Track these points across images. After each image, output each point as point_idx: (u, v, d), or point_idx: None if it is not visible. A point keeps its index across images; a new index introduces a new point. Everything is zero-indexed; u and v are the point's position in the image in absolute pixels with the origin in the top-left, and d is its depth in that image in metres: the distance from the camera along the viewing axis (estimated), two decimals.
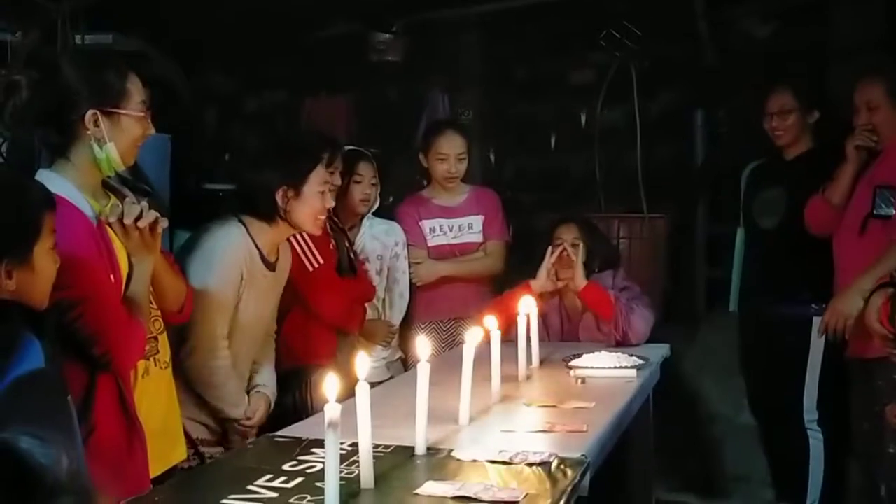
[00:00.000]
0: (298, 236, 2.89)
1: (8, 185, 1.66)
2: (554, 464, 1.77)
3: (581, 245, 3.29)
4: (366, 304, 3.24)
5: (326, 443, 1.52)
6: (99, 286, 1.88)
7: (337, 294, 3.00)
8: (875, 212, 2.91)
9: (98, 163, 1.95)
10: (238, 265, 2.52)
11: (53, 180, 1.93)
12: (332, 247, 3.05)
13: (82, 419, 1.86)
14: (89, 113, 1.91)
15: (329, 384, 1.54)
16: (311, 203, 2.58)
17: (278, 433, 2.06)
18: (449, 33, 5.05)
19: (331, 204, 3.07)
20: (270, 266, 2.63)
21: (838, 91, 4.12)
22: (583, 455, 1.83)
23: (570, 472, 1.74)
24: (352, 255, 3.16)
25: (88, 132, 1.92)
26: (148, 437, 1.95)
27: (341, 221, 3.24)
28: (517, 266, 3.88)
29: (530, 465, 1.77)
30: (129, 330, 1.91)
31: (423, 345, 1.85)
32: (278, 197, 2.54)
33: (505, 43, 5.05)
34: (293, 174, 2.56)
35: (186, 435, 2.30)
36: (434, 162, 3.56)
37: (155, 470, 1.97)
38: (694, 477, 3.86)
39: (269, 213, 2.56)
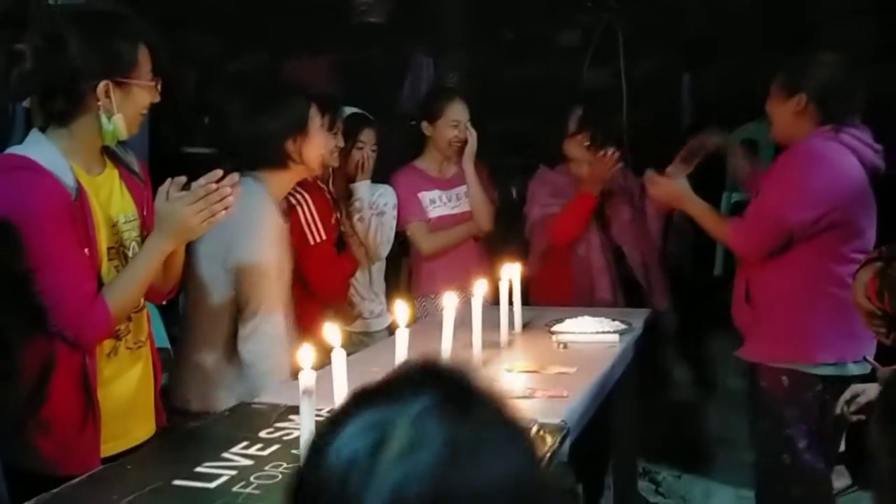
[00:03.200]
0: (305, 207, 2.84)
1: None
2: (533, 430, 1.75)
3: None
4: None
5: (301, 410, 1.50)
6: (63, 257, 1.82)
7: (337, 271, 2.95)
8: None
9: (103, 133, 1.87)
10: (276, 222, 2.46)
11: (38, 145, 1.87)
12: (334, 221, 2.99)
13: (37, 391, 1.83)
14: (102, 84, 1.82)
15: (303, 352, 1.52)
16: (318, 142, 2.54)
17: (255, 400, 2.04)
18: None
19: (335, 163, 3.05)
20: (285, 217, 2.59)
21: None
22: (562, 421, 1.82)
23: (549, 437, 1.73)
24: (342, 228, 3.11)
25: (99, 103, 1.83)
26: (110, 417, 1.89)
27: (335, 189, 3.19)
28: (504, 230, 3.85)
29: None
30: (91, 307, 1.82)
31: (401, 310, 1.83)
32: (289, 144, 2.47)
33: (490, 4, 4.98)
34: (299, 118, 2.49)
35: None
36: (445, 128, 3.48)
37: (114, 448, 1.90)
38: (676, 441, 3.88)
39: (283, 160, 2.48)
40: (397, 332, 1.84)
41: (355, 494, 0.71)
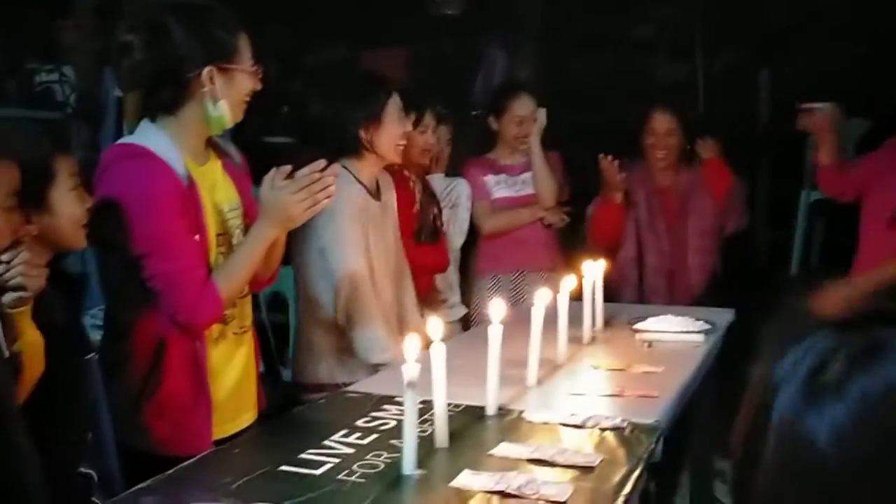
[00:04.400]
0: None
1: (9, 134, 1.69)
2: (627, 429, 1.75)
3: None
4: (436, 275, 3.21)
5: (405, 402, 1.52)
6: (175, 244, 1.89)
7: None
8: None
9: (209, 121, 1.93)
10: (355, 202, 2.56)
11: (151, 134, 1.94)
12: (415, 210, 3.02)
13: (151, 374, 1.91)
14: (206, 70, 1.88)
15: (408, 344, 1.54)
16: (390, 131, 2.61)
17: (348, 388, 2.08)
18: None
19: (425, 160, 3.11)
20: (375, 196, 2.67)
21: None
22: (656, 421, 1.82)
23: (643, 438, 1.72)
24: (439, 223, 3.13)
25: (204, 89, 1.89)
26: (220, 400, 1.97)
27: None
28: (575, 224, 3.84)
29: (603, 429, 1.76)
30: (202, 292, 1.89)
31: (496, 307, 1.84)
32: (361, 132, 2.57)
33: None
34: (372, 107, 2.58)
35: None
36: (509, 125, 3.54)
37: (224, 431, 1.98)
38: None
39: (355, 148, 2.58)
40: (490, 328, 1.85)
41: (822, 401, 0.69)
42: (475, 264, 3.64)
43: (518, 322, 2.11)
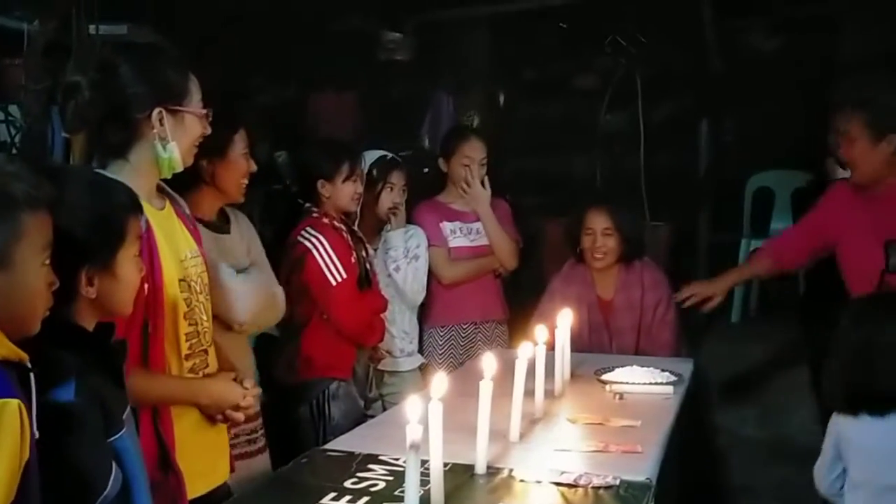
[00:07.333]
0: (321, 249, 2.85)
1: (92, 187, 1.59)
2: (621, 488, 1.74)
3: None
4: (382, 316, 3.17)
5: (408, 465, 1.48)
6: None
7: (359, 308, 2.93)
8: (889, 269, 2.64)
9: (160, 163, 1.86)
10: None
11: None
12: (353, 260, 2.98)
13: None
14: (156, 111, 1.83)
15: (411, 406, 1.50)
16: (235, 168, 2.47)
17: (327, 447, 2.01)
18: (457, 34, 5.02)
19: (354, 208, 3.05)
20: (218, 229, 2.58)
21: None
22: (647, 478, 1.81)
23: (638, 496, 1.71)
24: (367, 266, 3.10)
25: (154, 131, 1.83)
26: (193, 453, 1.86)
27: (365, 229, 3.18)
28: (520, 268, 3.84)
29: (596, 488, 1.74)
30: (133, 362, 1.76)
31: (488, 363, 1.82)
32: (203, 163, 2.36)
33: (512, 45, 5.03)
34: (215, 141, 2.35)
35: None
36: (457, 167, 3.54)
37: (197, 490, 1.87)
38: (699, 489, 3.86)
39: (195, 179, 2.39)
40: (480, 383, 1.82)
41: None
42: (428, 313, 3.60)
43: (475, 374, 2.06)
